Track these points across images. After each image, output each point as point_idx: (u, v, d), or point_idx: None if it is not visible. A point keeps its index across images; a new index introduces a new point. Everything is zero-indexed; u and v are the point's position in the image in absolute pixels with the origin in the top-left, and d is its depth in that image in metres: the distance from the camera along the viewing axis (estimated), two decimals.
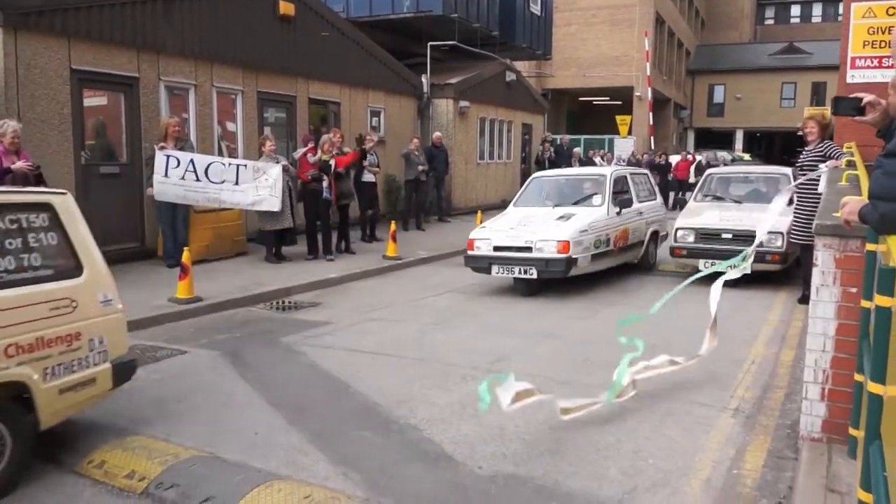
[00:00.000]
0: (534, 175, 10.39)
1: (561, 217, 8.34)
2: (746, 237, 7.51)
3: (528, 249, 7.88)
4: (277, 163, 9.83)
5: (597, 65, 32.87)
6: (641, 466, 3.74)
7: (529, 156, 21.34)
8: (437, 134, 14.91)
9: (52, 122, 8.50)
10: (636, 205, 9.24)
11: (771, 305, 7.58)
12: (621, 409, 4.54)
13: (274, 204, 9.66)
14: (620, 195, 8.95)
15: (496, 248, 8.12)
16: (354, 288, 8.84)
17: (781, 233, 7.86)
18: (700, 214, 9.23)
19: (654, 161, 20.57)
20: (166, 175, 9.08)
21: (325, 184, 10.14)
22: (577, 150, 21.40)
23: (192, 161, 9.30)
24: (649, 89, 29.72)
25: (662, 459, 3.80)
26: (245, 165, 9.75)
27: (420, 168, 13.54)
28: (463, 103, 16.83)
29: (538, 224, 8.26)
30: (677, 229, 8.95)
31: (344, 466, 3.72)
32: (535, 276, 7.82)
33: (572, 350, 5.94)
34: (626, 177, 9.59)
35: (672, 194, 19.79)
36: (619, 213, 8.70)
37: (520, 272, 7.91)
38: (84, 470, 3.69)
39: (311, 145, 10.53)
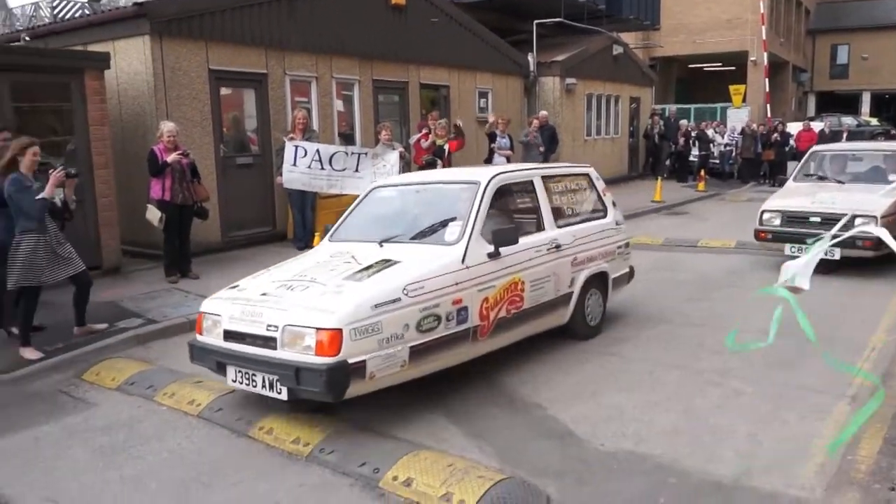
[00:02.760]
0: (374, 184, 6.39)
1: (366, 269, 4.57)
2: (837, 222, 7.21)
3: (271, 342, 4.16)
4: (394, 149, 10.35)
5: (707, 30, 31.61)
6: (756, 449, 3.97)
7: (637, 130, 21.06)
8: (542, 113, 15.04)
9: (195, 120, 9.36)
10: (549, 233, 5.55)
11: (889, 293, 7.41)
12: (736, 393, 4.76)
13: None
14: (505, 221, 5.38)
15: (228, 335, 4.41)
16: None
17: (875, 217, 7.47)
18: (792, 196, 8.72)
19: (767, 135, 19.54)
20: (294, 164, 9.78)
21: (439, 166, 10.58)
22: (684, 122, 20.81)
23: (317, 151, 9.96)
24: (765, 54, 28.41)
25: (777, 443, 4.02)
26: (365, 153, 10.32)
27: (541, 150, 13.69)
28: (570, 80, 16.86)
29: (307, 286, 4.48)
30: (763, 212, 8.48)
31: (479, 440, 4.17)
32: (284, 397, 4.16)
33: None
34: (530, 183, 5.72)
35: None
36: (494, 256, 4.90)
37: (264, 386, 4.21)
38: (256, 435, 4.31)
39: (424, 131, 11.00)
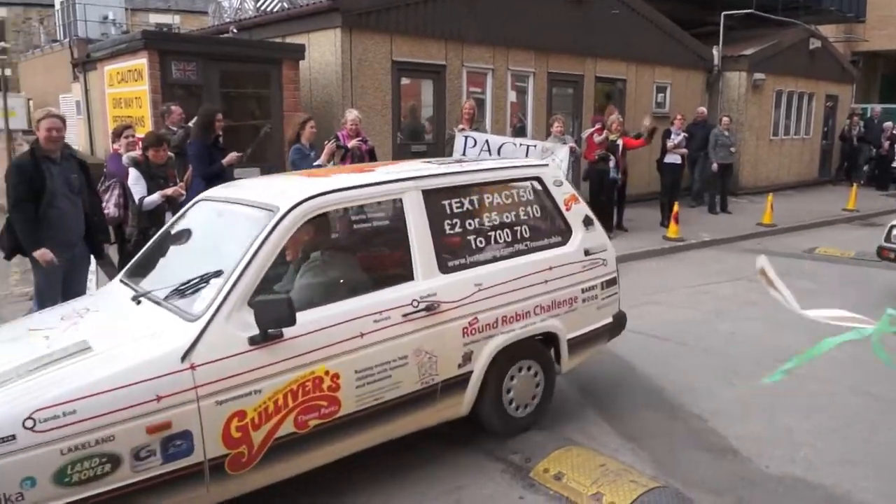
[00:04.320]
0: (199, 196, 4.17)
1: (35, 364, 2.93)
2: None
3: None
4: (565, 143, 10.28)
5: None
6: None
7: (832, 131, 19.33)
8: (701, 109, 14.08)
9: (377, 108, 9.85)
10: (419, 285, 3.60)
11: None
12: None
13: None
14: (323, 278, 3.64)
15: None
16: (634, 268, 9.03)
17: None
18: None
19: None
20: (464, 154, 10.01)
21: (611, 163, 10.37)
22: (889, 124, 18.75)
23: (486, 141, 10.10)
24: None
25: None
26: (535, 146, 10.31)
27: (732, 150, 13.00)
28: (758, 75, 15.80)
29: None
30: (893, 227, 7.53)
31: (632, 443, 4.10)
32: None
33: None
34: (392, 204, 3.84)
35: None
36: (261, 343, 3.07)
37: None
38: None
39: (598, 126, 10.82)
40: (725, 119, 13.30)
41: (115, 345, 2.99)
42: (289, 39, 9.96)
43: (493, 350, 3.80)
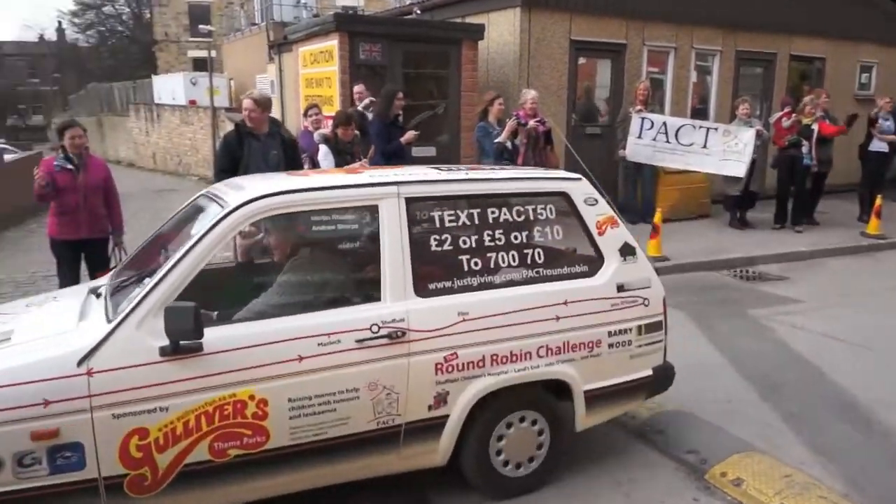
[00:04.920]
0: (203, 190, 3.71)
1: None
2: None
3: None
4: (751, 127, 9.63)
5: None
6: None
7: None
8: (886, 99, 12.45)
9: (553, 88, 9.76)
10: (383, 308, 3.06)
11: None
12: None
13: (740, 169, 9.52)
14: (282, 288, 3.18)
15: None
16: (825, 265, 8.32)
17: None
18: None
19: None
20: (640, 136, 9.67)
21: (804, 149, 9.58)
22: None
23: (664, 123, 9.71)
24: None
25: None
26: (716, 129, 9.78)
27: None
28: None
29: None
30: None
31: (822, 456, 3.81)
32: None
33: None
34: (367, 211, 3.30)
35: None
36: (173, 355, 2.71)
37: None
38: None
39: (786, 109, 10.02)
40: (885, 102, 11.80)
41: (31, 339, 2.79)
42: (468, 19, 10.09)
43: (476, 393, 3.16)
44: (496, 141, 7.15)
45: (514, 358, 3.23)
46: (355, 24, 8.88)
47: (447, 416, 3.14)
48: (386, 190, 3.12)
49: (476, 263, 3.24)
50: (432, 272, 3.18)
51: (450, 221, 3.25)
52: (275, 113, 15.96)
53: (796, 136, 9.51)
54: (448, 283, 3.18)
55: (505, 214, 3.37)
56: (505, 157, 7.28)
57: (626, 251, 3.57)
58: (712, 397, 4.51)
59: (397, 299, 3.04)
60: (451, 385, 3.12)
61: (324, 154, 6.07)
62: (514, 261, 3.33)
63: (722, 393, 4.61)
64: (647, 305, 3.59)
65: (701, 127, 9.88)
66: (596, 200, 3.58)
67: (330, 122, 6.49)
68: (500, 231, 3.33)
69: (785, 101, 10.54)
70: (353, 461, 3.03)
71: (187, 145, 22.02)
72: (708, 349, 5.47)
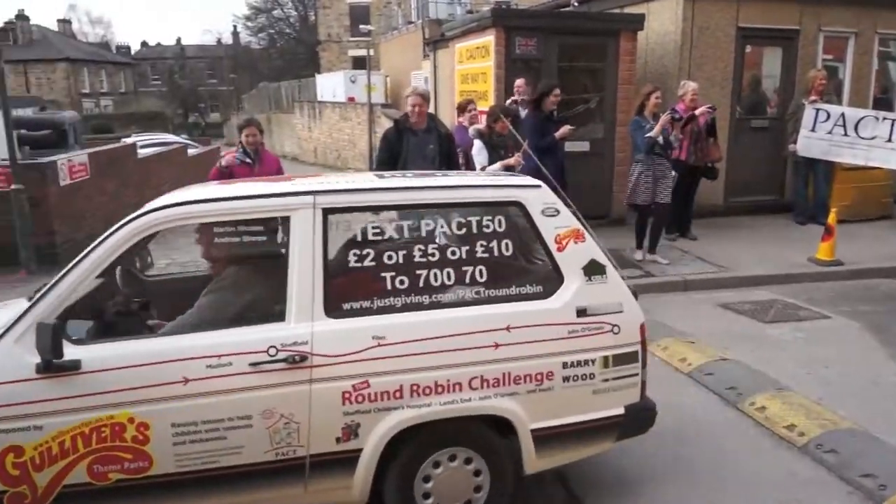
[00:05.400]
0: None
1: None
2: None
3: None
4: None
5: None
6: None
7: None
8: None
9: (715, 79, 9.27)
10: (286, 329, 2.83)
11: None
12: None
13: None
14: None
15: None
16: None
17: None
18: None
19: None
20: (813, 129, 8.94)
21: None
22: None
23: (842, 115, 8.91)
24: None
25: None
26: None
27: None
28: None
29: None
30: None
31: None
32: None
33: None
34: (275, 223, 3.03)
35: None
36: (48, 372, 2.63)
37: None
38: (746, 409, 4.24)
39: None
40: None
41: None
42: (627, 10, 9.79)
43: (392, 427, 2.82)
44: (646, 136, 6.93)
45: (440, 389, 2.86)
46: (512, 19, 8.88)
47: (360, 450, 2.83)
48: (300, 200, 2.88)
49: (401, 282, 2.91)
50: (348, 290, 2.88)
51: (374, 234, 2.94)
52: (429, 108, 16.40)
53: None
54: (366, 304, 2.87)
55: (442, 227, 3.01)
56: (656, 150, 7.02)
57: (593, 269, 3.11)
58: (890, 415, 4.12)
59: (303, 320, 2.79)
60: (363, 416, 2.80)
61: (478, 149, 6.15)
62: (449, 279, 2.96)
63: None
64: (616, 333, 3.08)
65: (885, 119, 8.95)
66: (557, 211, 3.14)
67: (484, 118, 6.55)
68: (435, 246, 2.98)
69: None
70: (253, 493, 2.80)
71: (345, 140, 23.10)
72: (888, 363, 4.99)
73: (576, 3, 10.46)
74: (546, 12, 10.19)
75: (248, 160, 5.69)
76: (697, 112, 7.63)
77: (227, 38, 59.95)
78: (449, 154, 5.78)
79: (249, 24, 52.15)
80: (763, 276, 6.96)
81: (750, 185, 9.80)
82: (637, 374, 3.18)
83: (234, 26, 59.14)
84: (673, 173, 7.29)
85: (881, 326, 5.72)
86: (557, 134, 6.82)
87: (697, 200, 8.54)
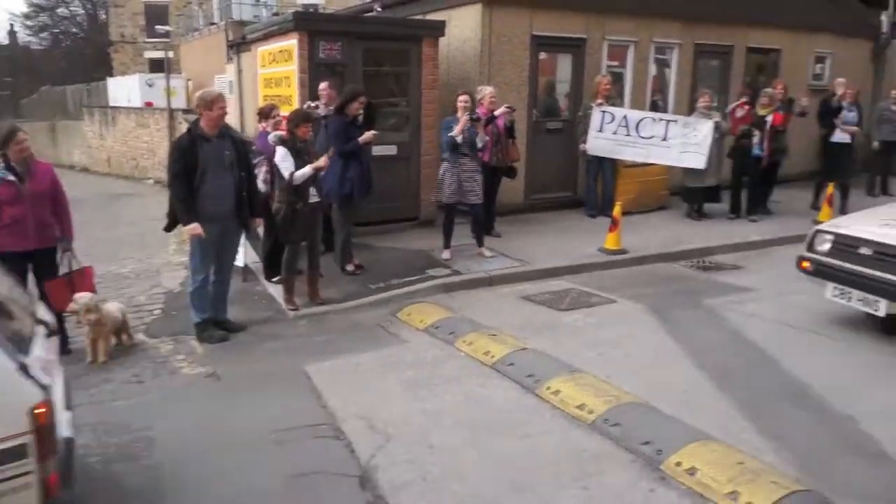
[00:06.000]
0: None
1: None
2: (891, 257, 5.15)
3: None
4: (710, 119, 9.76)
5: None
6: None
7: None
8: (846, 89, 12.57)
9: (514, 84, 9.77)
10: None
11: None
12: None
13: (699, 161, 9.64)
14: None
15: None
16: (779, 254, 8.44)
17: None
18: (879, 215, 6.03)
19: None
20: (600, 130, 9.75)
21: (755, 139, 9.75)
22: None
23: (625, 116, 9.81)
24: None
25: None
26: (675, 121, 9.89)
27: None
28: None
29: None
30: (816, 232, 5.94)
31: (774, 442, 3.89)
32: None
33: None
34: None
35: None
36: None
37: None
38: (543, 394, 4.51)
39: (742, 100, 10.19)
40: (894, 92, 12.06)
41: None
42: (429, 16, 10.05)
43: None
44: (449, 135, 7.21)
45: None
46: (315, 23, 8.78)
47: None
48: None
49: None
50: None
51: None
52: (233, 114, 15.81)
53: (748, 127, 9.68)
54: None
55: None
56: (462, 151, 7.30)
57: None
58: (669, 388, 4.58)
59: None
60: None
61: (282, 156, 6.00)
62: None
63: (678, 383, 4.68)
64: None
65: (661, 119, 9.98)
66: None
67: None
68: None
69: (743, 92, 10.71)
70: None
71: (143, 148, 21.68)
72: (666, 340, 5.54)
73: (379, 9, 10.58)
74: (350, 17, 10.20)
75: (11, 177, 5.02)
76: (497, 113, 7.99)
77: (2, 38, 53.85)
78: (245, 158, 5.61)
79: (29, 22, 47.26)
80: (560, 267, 7.45)
81: (547, 184, 10.45)
82: (29, 474, 2.45)
83: (11, 25, 53.31)
84: (480, 173, 7.56)
85: (660, 307, 6.33)
86: (361, 139, 6.85)
87: (500, 199, 8.96)
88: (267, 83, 9.55)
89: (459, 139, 7.23)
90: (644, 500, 3.40)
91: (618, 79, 10.92)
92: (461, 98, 7.32)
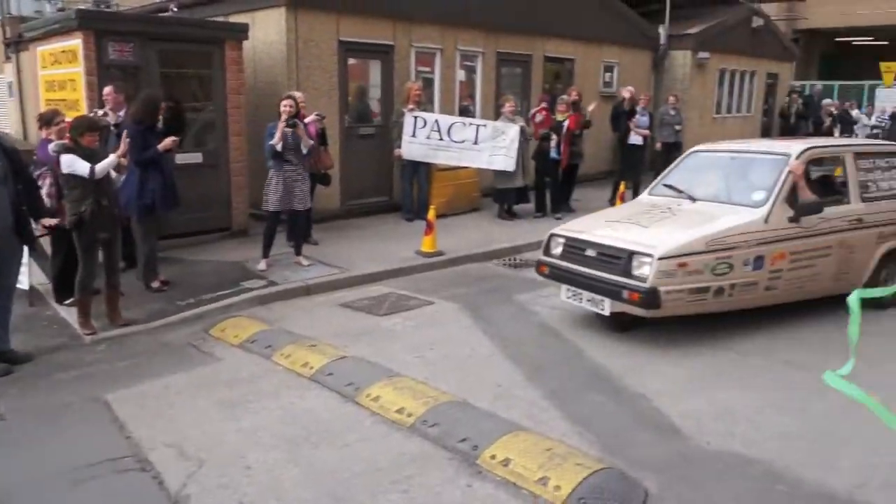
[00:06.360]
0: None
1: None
2: (612, 259, 5.38)
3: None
4: (515, 123, 10.26)
5: (860, 0, 29.09)
6: (875, 462, 3.74)
7: (773, 108, 19.80)
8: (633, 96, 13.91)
9: (323, 89, 9.67)
10: None
11: None
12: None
13: (508, 164, 10.12)
14: None
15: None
16: None
17: (652, 256, 5.12)
18: (604, 217, 6.31)
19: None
20: (413, 135, 9.91)
21: (552, 143, 10.42)
22: (828, 101, 19.39)
23: (436, 121, 10.04)
24: None
25: None
26: (485, 125, 10.28)
27: (677, 128, 13.11)
28: (702, 54, 16.03)
29: None
30: (551, 236, 6.10)
31: (579, 426, 4.16)
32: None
33: None
34: None
35: None
36: None
37: None
38: (363, 402, 4.49)
39: (542, 105, 10.85)
40: (672, 98, 13.45)
41: None
42: (232, 18, 9.68)
43: None
44: (269, 143, 7.06)
45: None
46: (101, 22, 8.08)
47: None
48: None
49: None
50: None
51: None
52: (15, 120, 14.24)
53: (547, 131, 10.34)
54: None
55: None
56: (286, 157, 7.15)
57: None
58: (484, 384, 4.75)
59: None
60: None
61: (70, 161, 5.37)
62: None
63: (493, 378, 4.86)
64: None
65: (471, 124, 10.33)
66: None
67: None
68: None
69: (542, 98, 11.39)
70: None
71: None
72: (481, 338, 5.74)
73: (175, 9, 10.01)
74: (142, 17, 9.53)
75: None
76: (307, 121, 7.86)
77: None
78: (21, 170, 5.06)
79: None
80: (378, 272, 7.48)
81: (363, 189, 10.47)
82: None
83: None
84: (307, 180, 7.52)
85: (475, 306, 6.56)
86: (161, 146, 6.43)
87: (316, 206, 8.80)
88: (49, 86, 8.68)
89: (279, 147, 7.07)
90: (462, 495, 3.49)
91: (428, 84, 11.19)
92: (284, 103, 7.16)
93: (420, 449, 3.92)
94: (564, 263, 5.78)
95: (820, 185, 6.56)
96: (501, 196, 10.55)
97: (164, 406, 4.53)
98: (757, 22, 17.80)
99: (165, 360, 5.32)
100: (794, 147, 6.13)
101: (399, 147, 9.92)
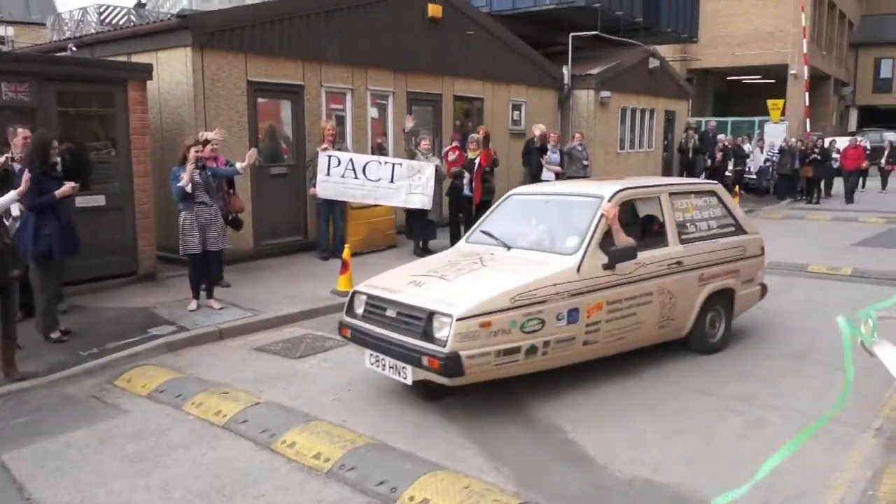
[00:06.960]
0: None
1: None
2: (412, 320, 4.74)
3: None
4: (430, 162, 10.40)
5: (748, 42, 31.28)
6: (775, 481, 3.93)
7: (672, 143, 20.88)
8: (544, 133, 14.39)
9: (233, 130, 9.55)
10: None
11: None
12: (760, 423, 4.72)
13: (425, 202, 10.25)
14: None
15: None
16: None
17: (451, 315, 4.47)
18: (414, 270, 5.57)
19: (806, 150, 19.39)
20: (328, 174, 9.91)
21: (465, 180, 10.63)
22: (722, 136, 20.68)
23: (351, 160, 10.07)
24: (805, 67, 27.92)
25: (797, 475, 3.98)
26: (400, 164, 10.39)
27: (584, 163, 13.60)
28: (604, 93, 16.79)
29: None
30: (354, 293, 5.40)
31: (496, 461, 4.21)
32: None
33: None
34: None
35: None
36: None
37: None
38: (278, 448, 4.40)
39: (454, 144, 11.08)
40: (578, 135, 14.01)
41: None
42: (135, 58, 9.48)
43: None
44: (177, 185, 6.94)
45: None
46: None
47: None
48: None
49: None
50: None
51: None
52: None
53: (460, 168, 10.55)
54: None
55: None
56: (198, 199, 7.05)
57: None
58: (403, 423, 4.74)
59: None
60: None
61: None
62: None
63: (411, 418, 4.86)
64: None
65: (387, 163, 10.41)
66: None
67: None
68: None
69: (454, 137, 11.63)
70: None
71: None
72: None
73: (73, 49, 9.72)
74: (37, 57, 9.20)
75: None
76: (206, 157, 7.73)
77: None
78: None
79: None
80: (293, 313, 7.37)
81: (277, 229, 10.35)
82: None
83: None
84: (221, 219, 7.56)
85: None
86: (58, 192, 6.18)
87: (227, 248, 8.64)
88: None
89: (189, 188, 6.98)
90: None
91: (340, 121, 11.24)
92: (192, 148, 7.07)
93: (338, 495, 3.87)
94: (367, 326, 5.03)
95: (640, 228, 6.16)
96: (415, 232, 10.63)
97: (66, 464, 4.30)
98: (653, 63, 18.82)
99: (67, 414, 5.06)
100: (607, 188, 5.64)
101: (314, 186, 9.88)
